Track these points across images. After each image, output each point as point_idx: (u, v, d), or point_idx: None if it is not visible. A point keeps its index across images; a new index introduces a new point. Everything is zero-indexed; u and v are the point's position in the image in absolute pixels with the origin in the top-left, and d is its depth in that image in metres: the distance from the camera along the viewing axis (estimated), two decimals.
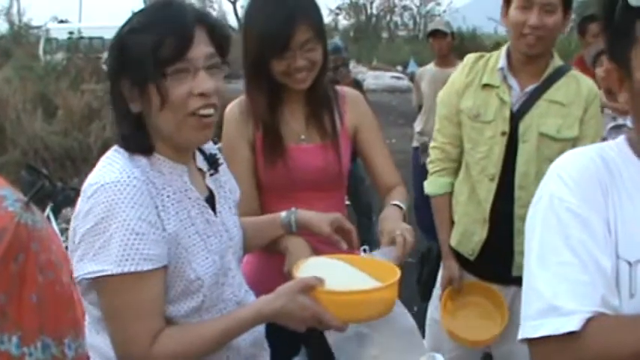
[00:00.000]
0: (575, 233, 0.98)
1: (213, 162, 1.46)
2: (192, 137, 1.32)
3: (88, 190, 1.24)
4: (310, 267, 1.41)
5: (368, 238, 3.97)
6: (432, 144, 2.35)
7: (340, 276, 1.38)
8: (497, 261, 2.16)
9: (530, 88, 2.12)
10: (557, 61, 2.15)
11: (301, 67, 1.73)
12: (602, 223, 0.99)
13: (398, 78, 18.08)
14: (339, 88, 1.96)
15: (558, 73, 2.13)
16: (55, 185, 4.03)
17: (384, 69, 20.23)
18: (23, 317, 2.07)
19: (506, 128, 2.11)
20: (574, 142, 2.09)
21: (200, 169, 1.44)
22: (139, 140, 1.31)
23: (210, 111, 1.29)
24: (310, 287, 1.29)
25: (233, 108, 1.88)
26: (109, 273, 1.20)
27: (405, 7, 35.01)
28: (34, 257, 2.09)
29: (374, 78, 16.59)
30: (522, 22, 2.03)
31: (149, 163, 1.31)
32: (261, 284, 1.73)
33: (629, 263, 0.98)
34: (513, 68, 2.14)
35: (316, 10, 1.79)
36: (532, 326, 0.97)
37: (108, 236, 1.20)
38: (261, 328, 1.47)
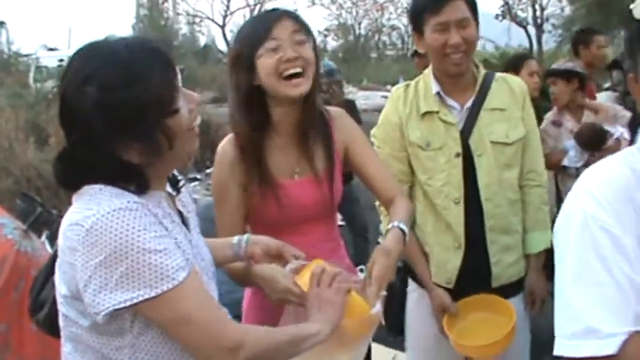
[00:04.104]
0: (610, 253, 1.01)
1: (175, 183, 1.43)
2: (193, 149, 1.32)
3: (84, 223, 1.16)
4: None
5: (364, 259, 3.95)
6: None
7: None
8: (476, 279, 2.14)
9: (469, 103, 2.13)
10: (482, 70, 2.19)
11: (292, 58, 1.65)
12: (635, 241, 1.02)
13: None
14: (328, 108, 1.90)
15: (488, 81, 2.16)
16: (51, 213, 4.02)
17: (375, 89, 20.31)
18: (25, 346, 2.07)
19: (459, 149, 2.10)
20: (524, 141, 2.15)
21: (169, 193, 1.41)
22: (139, 182, 1.26)
23: (198, 120, 1.32)
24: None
25: (225, 147, 1.81)
26: (146, 297, 1.16)
27: (392, 27, 35.28)
28: None
29: (364, 98, 16.59)
30: (443, 44, 2.03)
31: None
32: (262, 311, 1.76)
33: None
34: (446, 89, 2.14)
35: (301, 17, 1.74)
36: (571, 345, 1.01)
37: (129, 263, 1.15)
38: None
